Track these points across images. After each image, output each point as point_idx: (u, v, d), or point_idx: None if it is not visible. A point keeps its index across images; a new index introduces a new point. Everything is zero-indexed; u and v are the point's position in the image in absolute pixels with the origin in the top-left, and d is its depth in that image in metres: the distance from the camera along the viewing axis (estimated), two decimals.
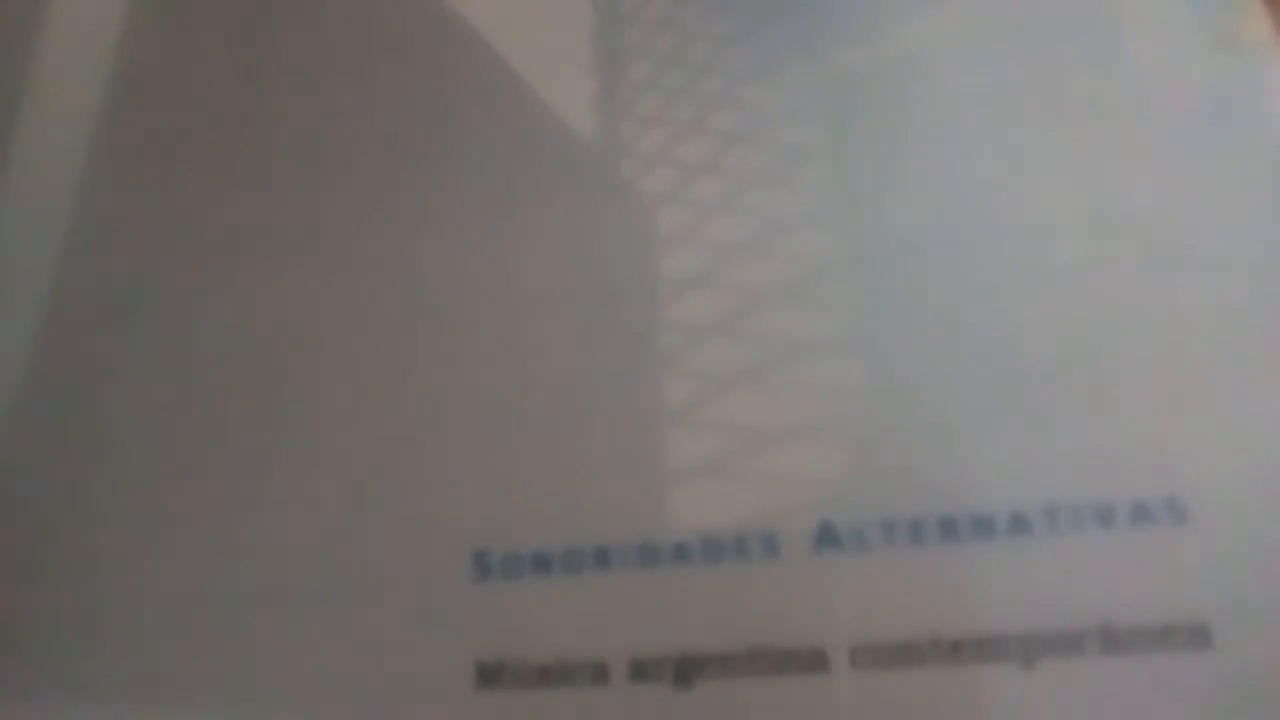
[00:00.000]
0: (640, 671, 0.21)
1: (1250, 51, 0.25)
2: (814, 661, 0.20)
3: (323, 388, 0.24)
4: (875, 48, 0.26)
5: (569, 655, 0.21)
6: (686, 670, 0.21)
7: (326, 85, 0.28)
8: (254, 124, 0.27)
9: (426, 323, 0.24)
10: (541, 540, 0.22)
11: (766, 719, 0.20)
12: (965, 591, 0.21)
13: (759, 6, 0.27)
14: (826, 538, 0.21)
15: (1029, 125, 0.25)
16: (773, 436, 0.22)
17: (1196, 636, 0.20)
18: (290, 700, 0.21)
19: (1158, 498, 0.21)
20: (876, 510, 0.21)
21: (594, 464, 0.23)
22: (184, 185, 0.27)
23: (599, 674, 0.21)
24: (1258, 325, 0.22)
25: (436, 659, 0.21)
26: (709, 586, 0.21)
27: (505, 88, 0.27)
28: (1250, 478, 0.21)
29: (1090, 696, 0.20)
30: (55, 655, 0.22)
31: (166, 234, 0.26)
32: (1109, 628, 0.20)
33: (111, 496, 0.24)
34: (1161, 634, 0.20)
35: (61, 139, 0.28)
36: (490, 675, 0.21)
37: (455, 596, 0.22)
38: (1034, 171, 0.24)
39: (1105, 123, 0.25)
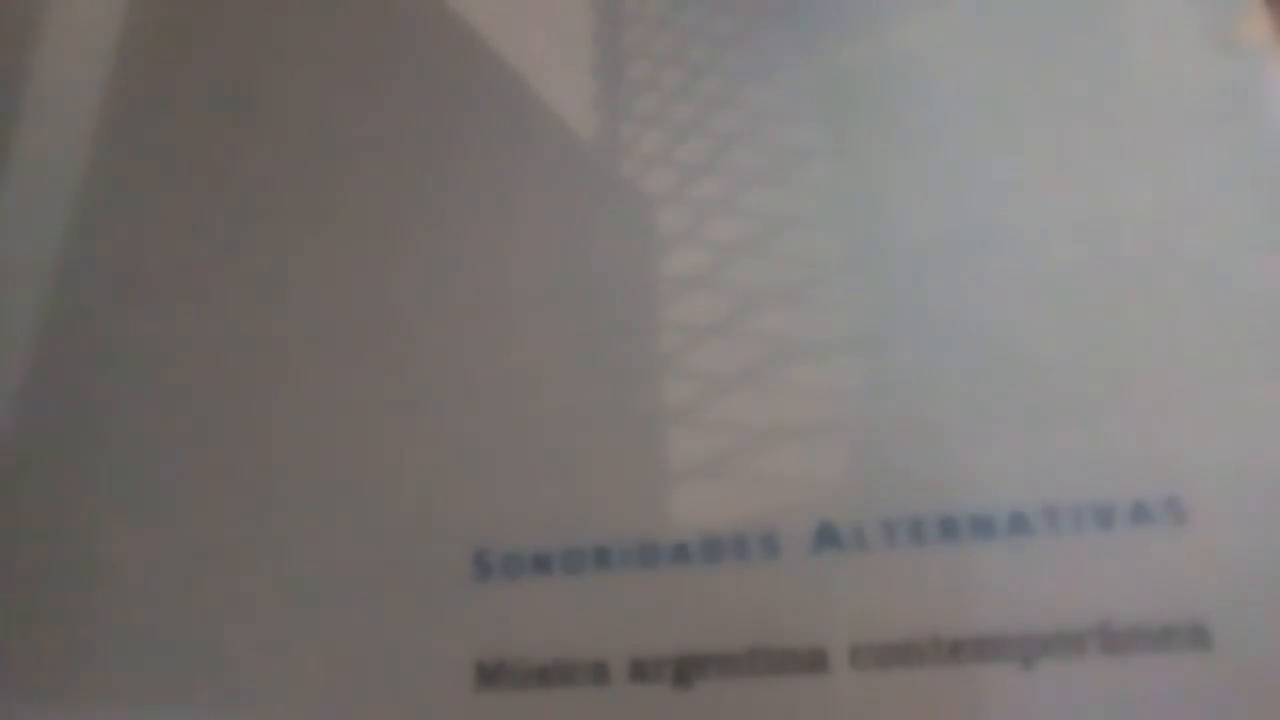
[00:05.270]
0: (640, 671, 0.21)
1: (1250, 52, 0.25)
2: (814, 661, 0.20)
3: (322, 387, 0.24)
4: (875, 48, 0.26)
5: (569, 655, 0.21)
6: (686, 670, 0.21)
7: (326, 84, 0.27)
8: (253, 123, 0.27)
9: (427, 322, 0.24)
10: (541, 540, 0.22)
11: (766, 719, 0.20)
12: (965, 591, 0.21)
13: (759, 6, 0.27)
14: (826, 538, 0.21)
15: (1029, 126, 0.25)
16: (773, 436, 0.22)
17: (1196, 636, 0.20)
18: (290, 700, 0.21)
19: (1158, 498, 0.21)
20: (876, 510, 0.21)
21: (594, 464, 0.23)
22: (184, 184, 0.27)
23: (599, 674, 0.21)
24: (1257, 325, 0.22)
25: (436, 659, 0.21)
26: (709, 586, 0.21)
27: (505, 88, 0.27)
28: (1250, 478, 0.21)
29: (1090, 696, 0.20)
30: (54, 656, 0.22)
31: (166, 234, 0.26)
32: (1109, 628, 0.20)
33: (109, 497, 0.24)
34: (1161, 634, 0.20)
35: (61, 139, 0.28)
36: (490, 675, 0.21)
37: (455, 596, 0.22)
38: (1034, 172, 0.24)
39: (1105, 123, 0.25)
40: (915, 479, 0.22)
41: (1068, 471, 0.21)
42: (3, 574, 0.23)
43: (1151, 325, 0.22)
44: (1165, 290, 0.23)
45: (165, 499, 0.23)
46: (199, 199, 0.26)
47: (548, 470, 0.23)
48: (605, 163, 0.26)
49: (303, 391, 0.24)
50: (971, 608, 0.20)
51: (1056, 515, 0.21)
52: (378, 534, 0.22)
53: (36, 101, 0.28)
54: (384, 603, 0.22)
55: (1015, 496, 0.21)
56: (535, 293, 0.24)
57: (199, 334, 0.25)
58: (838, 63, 0.26)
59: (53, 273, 0.26)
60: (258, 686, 0.21)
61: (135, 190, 0.27)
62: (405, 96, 0.27)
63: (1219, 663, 0.19)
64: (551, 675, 0.21)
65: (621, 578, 0.21)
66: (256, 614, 0.22)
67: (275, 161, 0.27)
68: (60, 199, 0.27)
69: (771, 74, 0.26)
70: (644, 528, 0.22)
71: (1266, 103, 0.24)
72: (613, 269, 0.25)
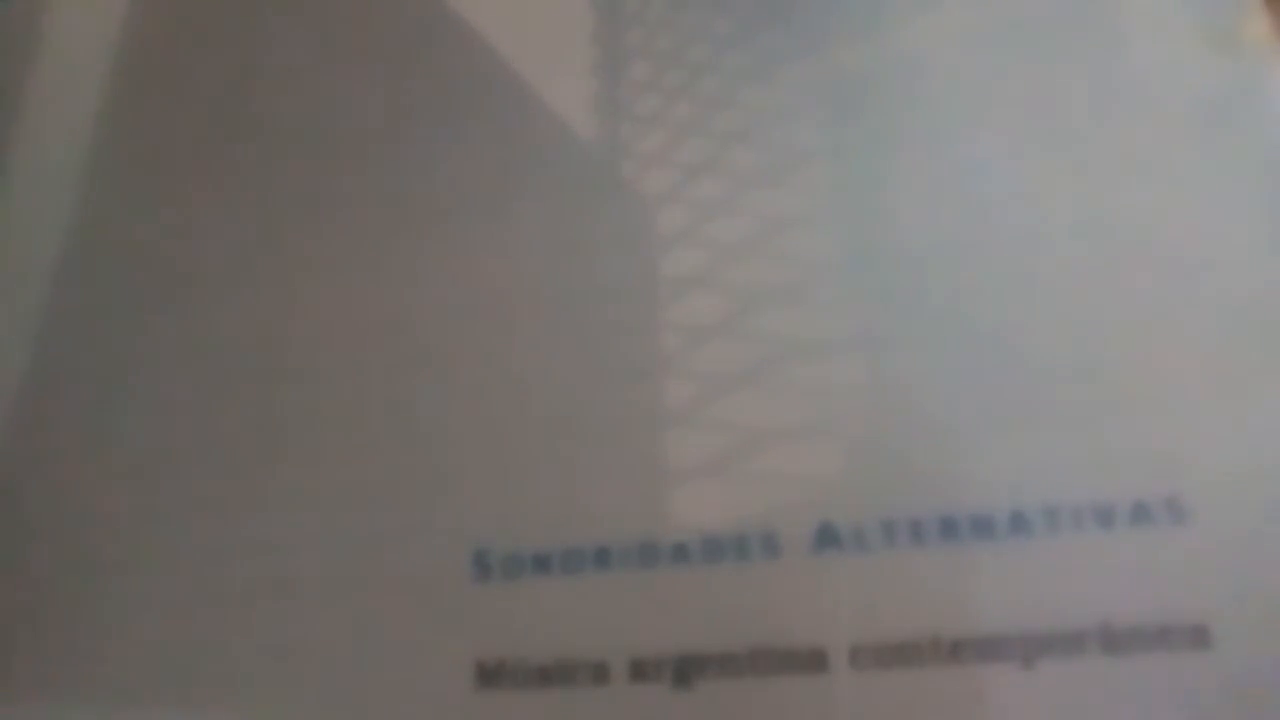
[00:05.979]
0: (640, 671, 0.21)
1: (1250, 52, 0.25)
2: (814, 661, 0.20)
3: (323, 388, 0.24)
4: (875, 48, 0.26)
5: (569, 655, 0.21)
6: (686, 670, 0.21)
7: (326, 86, 0.28)
8: (253, 125, 0.27)
9: (427, 322, 0.24)
10: (541, 540, 0.22)
11: (766, 719, 0.20)
12: (965, 591, 0.21)
13: (759, 6, 0.27)
14: (826, 538, 0.21)
15: (1029, 125, 0.25)
16: (773, 436, 0.22)
17: (1196, 636, 0.20)
18: (290, 700, 0.21)
19: (1158, 498, 0.21)
20: (876, 510, 0.21)
21: (594, 464, 0.23)
22: (183, 186, 0.27)
23: (599, 674, 0.21)
24: (1258, 326, 0.22)
25: (436, 659, 0.21)
26: (709, 586, 0.21)
27: (505, 88, 0.27)
28: (1250, 478, 0.21)
29: (1090, 696, 0.20)
30: (54, 655, 0.22)
31: (166, 235, 0.26)
32: (1109, 628, 0.20)
33: (111, 496, 0.24)
34: (1161, 634, 0.20)
35: (61, 140, 0.28)
36: (490, 675, 0.21)
37: (455, 596, 0.22)
38: (1033, 171, 0.24)
39: (1105, 123, 0.25)
40: (915, 479, 0.22)
41: (1068, 471, 0.21)
42: (3, 574, 0.23)
43: (1151, 325, 0.22)
44: (1165, 290, 0.23)
45: (165, 499, 0.23)
46: (199, 199, 0.26)
47: (548, 470, 0.23)
48: (605, 163, 0.26)
49: (303, 392, 0.24)
50: (971, 608, 0.20)
51: (1056, 515, 0.21)
52: (378, 534, 0.22)
53: (37, 102, 0.28)
54: (384, 603, 0.22)
55: (1015, 496, 0.21)
56: (535, 293, 0.24)
57: (199, 334, 0.25)
58: (838, 63, 0.26)
59: (53, 273, 0.26)
60: (258, 686, 0.21)
61: (136, 191, 0.27)
62: (405, 96, 0.27)
63: (1218, 663, 0.19)
64: (551, 675, 0.21)
65: (621, 578, 0.21)
66: (257, 614, 0.22)
67: (275, 163, 0.27)
68: (60, 199, 0.27)
69: (771, 74, 0.26)
70: (644, 528, 0.22)
71: (1266, 103, 0.24)
72: (613, 269, 0.25)
